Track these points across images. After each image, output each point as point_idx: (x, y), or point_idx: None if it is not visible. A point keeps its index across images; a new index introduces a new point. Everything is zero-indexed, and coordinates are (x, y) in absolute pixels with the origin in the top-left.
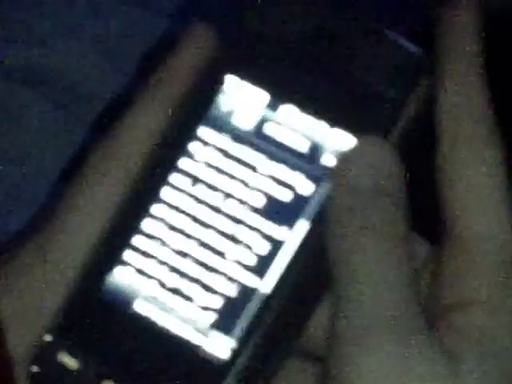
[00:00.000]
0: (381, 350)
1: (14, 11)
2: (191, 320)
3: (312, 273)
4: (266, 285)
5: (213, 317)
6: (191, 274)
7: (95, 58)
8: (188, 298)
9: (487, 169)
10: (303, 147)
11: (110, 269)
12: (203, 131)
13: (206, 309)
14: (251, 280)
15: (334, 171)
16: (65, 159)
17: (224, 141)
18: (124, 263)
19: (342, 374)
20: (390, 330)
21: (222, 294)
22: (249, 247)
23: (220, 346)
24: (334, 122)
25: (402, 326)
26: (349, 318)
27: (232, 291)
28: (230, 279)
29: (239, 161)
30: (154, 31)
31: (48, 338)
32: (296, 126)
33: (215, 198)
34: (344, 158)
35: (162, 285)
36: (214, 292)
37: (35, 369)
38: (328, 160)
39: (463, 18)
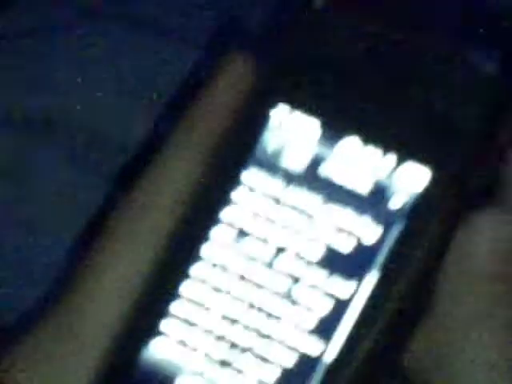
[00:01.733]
0: None
1: (36, 60)
2: None
3: (383, 332)
4: (330, 352)
5: None
6: (242, 344)
7: (118, 101)
8: (239, 372)
9: None
10: (367, 187)
11: (146, 341)
12: (249, 175)
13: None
14: (313, 347)
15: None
16: (84, 219)
17: (273, 185)
18: (162, 334)
19: None
20: None
21: (279, 366)
22: (308, 308)
23: None
24: (405, 155)
25: None
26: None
27: (291, 361)
28: (288, 347)
29: (292, 207)
30: (184, 65)
31: None
32: (358, 162)
33: (266, 253)
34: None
35: (209, 357)
36: (270, 363)
37: None
38: (397, 202)
39: None
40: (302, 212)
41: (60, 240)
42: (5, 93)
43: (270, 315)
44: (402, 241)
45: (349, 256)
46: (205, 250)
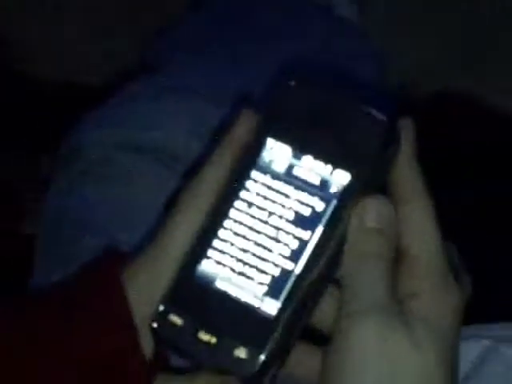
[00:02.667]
0: (370, 321)
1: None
2: (252, 291)
3: (326, 263)
4: (298, 268)
5: (265, 288)
6: (251, 263)
7: (188, 139)
8: (249, 278)
9: (424, 211)
10: (316, 181)
11: (200, 261)
12: (254, 174)
13: (261, 284)
14: (288, 265)
15: (354, 216)
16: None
17: (267, 180)
18: (208, 257)
19: (341, 342)
20: (377, 312)
21: (271, 275)
22: (286, 244)
23: (271, 307)
24: (335, 165)
25: (383, 309)
26: (350, 304)
27: (277, 272)
28: (276, 265)
29: (277, 191)
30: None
31: (162, 306)
32: (312, 168)
33: (264, 215)
34: (361, 207)
35: (233, 270)
36: (266, 273)
37: (155, 325)
38: (332, 188)
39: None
40: (282, 193)
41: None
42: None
43: (265, 248)
44: (334, 211)
45: (307, 217)
46: (232, 212)
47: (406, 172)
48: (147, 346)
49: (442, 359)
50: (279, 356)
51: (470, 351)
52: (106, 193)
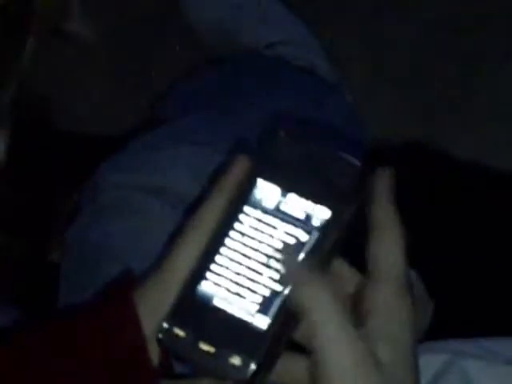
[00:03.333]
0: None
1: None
2: (245, 308)
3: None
4: (285, 289)
5: (257, 306)
6: (244, 284)
7: (190, 182)
8: (243, 297)
9: (392, 236)
10: (301, 215)
11: (200, 282)
12: (247, 209)
13: (253, 302)
14: (277, 287)
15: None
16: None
17: (258, 214)
18: (207, 279)
19: (318, 360)
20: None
21: (261, 295)
22: (275, 269)
23: (261, 322)
24: (317, 202)
25: (349, 334)
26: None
27: (267, 293)
28: (266, 286)
29: (267, 224)
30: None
31: (167, 320)
32: (296, 204)
33: (255, 244)
34: None
35: (229, 290)
36: (257, 293)
37: (161, 336)
38: (315, 222)
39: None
40: (271, 226)
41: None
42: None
43: (257, 272)
44: (316, 242)
45: (292, 246)
46: (227, 242)
47: (382, 203)
48: (155, 356)
49: (403, 366)
50: (268, 363)
51: (431, 364)
52: (123, 226)
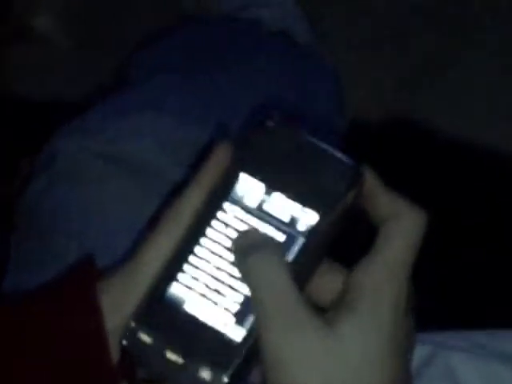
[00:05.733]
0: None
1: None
2: (219, 317)
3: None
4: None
5: (232, 316)
6: (219, 290)
7: (154, 151)
8: (217, 304)
9: (413, 225)
10: (285, 217)
11: (170, 283)
12: (227, 206)
13: (228, 310)
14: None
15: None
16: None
17: (239, 212)
18: (178, 281)
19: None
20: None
21: (238, 303)
22: None
23: (236, 333)
24: (304, 204)
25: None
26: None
27: (244, 301)
28: (243, 294)
29: (248, 224)
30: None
31: (132, 323)
32: (281, 205)
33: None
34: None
35: (202, 295)
36: (234, 301)
37: (125, 342)
38: (300, 226)
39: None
40: (252, 226)
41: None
42: None
43: (232, 275)
44: (300, 248)
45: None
46: (203, 240)
47: (388, 193)
48: (116, 354)
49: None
50: (240, 378)
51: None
52: (79, 196)
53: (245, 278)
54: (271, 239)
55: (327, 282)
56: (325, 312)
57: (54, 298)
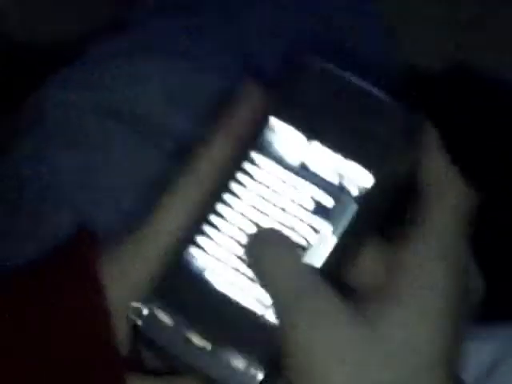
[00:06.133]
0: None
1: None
2: (255, 296)
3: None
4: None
5: (254, 287)
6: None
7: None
8: (253, 280)
9: (455, 204)
10: (333, 177)
11: (193, 254)
12: (256, 157)
13: (250, 281)
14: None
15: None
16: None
17: (272, 166)
18: (207, 252)
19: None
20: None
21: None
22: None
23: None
24: (355, 159)
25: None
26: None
27: None
28: None
29: (284, 181)
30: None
31: (147, 299)
32: (328, 161)
33: (263, 204)
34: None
35: (235, 270)
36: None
37: (139, 322)
38: (352, 189)
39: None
40: (290, 185)
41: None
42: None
43: None
44: (354, 216)
45: (313, 214)
46: (226, 197)
47: (437, 160)
48: (123, 340)
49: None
50: (278, 369)
51: (480, 355)
52: (75, 160)
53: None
54: (286, 237)
55: (369, 261)
56: (364, 300)
57: (51, 274)
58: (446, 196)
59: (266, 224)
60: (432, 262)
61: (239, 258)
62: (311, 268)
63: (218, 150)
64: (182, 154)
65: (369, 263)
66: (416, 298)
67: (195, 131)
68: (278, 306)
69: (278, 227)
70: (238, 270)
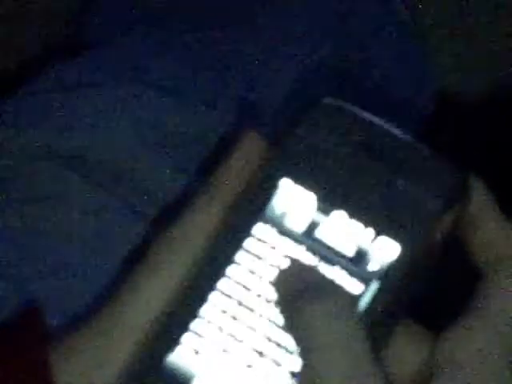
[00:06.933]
0: None
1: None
2: None
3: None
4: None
5: None
6: (244, 360)
7: (141, 151)
8: (239, 381)
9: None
10: (349, 249)
11: (169, 350)
12: (259, 229)
13: None
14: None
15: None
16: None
17: (277, 239)
18: (183, 345)
19: None
20: None
21: (267, 378)
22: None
23: None
24: (380, 229)
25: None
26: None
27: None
28: (275, 365)
29: (289, 257)
30: (196, 126)
31: None
32: (344, 230)
33: (269, 291)
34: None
35: (219, 365)
36: (262, 375)
37: None
38: (372, 262)
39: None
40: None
41: (94, 259)
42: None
43: (268, 339)
44: (375, 296)
45: None
46: (221, 283)
47: (492, 221)
48: None
49: None
50: None
51: None
52: (15, 224)
53: (297, 337)
54: (335, 284)
55: (407, 350)
56: None
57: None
58: (505, 276)
59: (272, 316)
60: (495, 363)
61: (231, 353)
62: (367, 350)
63: (206, 219)
64: (161, 218)
65: (405, 352)
66: None
67: (177, 184)
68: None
69: None
70: (228, 369)
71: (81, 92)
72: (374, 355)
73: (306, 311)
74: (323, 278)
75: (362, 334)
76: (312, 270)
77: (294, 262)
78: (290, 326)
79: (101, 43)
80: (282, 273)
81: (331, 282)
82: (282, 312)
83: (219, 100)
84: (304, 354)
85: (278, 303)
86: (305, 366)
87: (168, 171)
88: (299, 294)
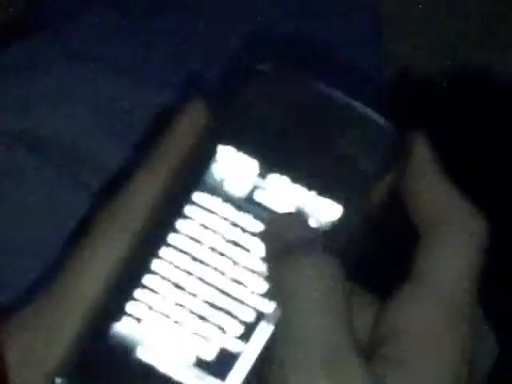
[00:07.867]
0: (313, 372)
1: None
2: (188, 366)
3: None
4: (251, 344)
5: (207, 365)
6: (188, 326)
7: (93, 128)
8: (185, 348)
9: (463, 242)
10: (289, 211)
11: (114, 319)
12: (199, 196)
13: (200, 358)
14: (242, 336)
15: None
16: (68, 221)
17: (218, 205)
18: (128, 314)
19: None
20: (322, 354)
21: (217, 346)
22: (239, 302)
23: None
24: (320, 192)
25: (333, 350)
26: (288, 344)
27: (225, 344)
28: (224, 332)
29: (232, 223)
30: (150, 104)
31: (59, 381)
32: (283, 193)
33: (210, 257)
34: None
35: (162, 334)
36: (210, 343)
37: None
38: (313, 225)
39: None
40: (239, 227)
41: (45, 234)
42: None
43: (210, 304)
44: None
45: None
46: (163, 251)
47: (438, 187)
48: None
49: None
50: None
51: None
52: None
53: (281, 293)
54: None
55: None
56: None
57: None
58: (453, 233)
59: (215, 281)
60: (439, 329)
61: (174, 321)
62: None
63: (147, 189)
64: (111, 191)
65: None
66: (421, 368)
67: (127, 158)
68: (293, 340)
69: (226, 283)
70: (171, 337)
71: (35, 71)
72: (350, 317)
73: (292, 265)
74: (312, 231)
75: (341, 295)
76: (303, 222)
77: (286, 214)
78: (273, 277)
79: (57, 23)
80: (273, 222)
81: (319, 239)
82: (267, 261)
83: (173, 77)
84: (282, 305)
85: (265, 252)
86: (281, 317)
87: (123, 149)
88: (287, 246)
